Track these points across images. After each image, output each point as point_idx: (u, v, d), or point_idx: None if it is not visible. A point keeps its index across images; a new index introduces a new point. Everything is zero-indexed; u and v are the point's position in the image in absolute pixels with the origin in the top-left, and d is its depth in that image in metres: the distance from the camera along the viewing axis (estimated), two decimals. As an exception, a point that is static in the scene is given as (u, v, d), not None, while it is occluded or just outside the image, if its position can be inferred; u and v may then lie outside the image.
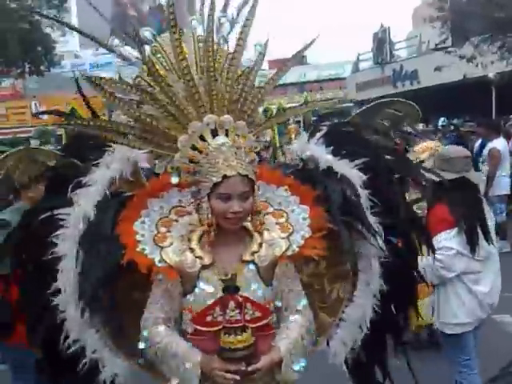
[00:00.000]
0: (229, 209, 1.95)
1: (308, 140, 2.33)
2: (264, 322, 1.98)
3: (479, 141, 10.05)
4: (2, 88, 28.57)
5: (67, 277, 2.10)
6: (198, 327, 1.97)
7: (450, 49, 19.77)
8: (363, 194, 2.24)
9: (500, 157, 8.73)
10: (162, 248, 2.02)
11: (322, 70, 40.52)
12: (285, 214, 2.16)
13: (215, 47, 2.06)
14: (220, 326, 1.94)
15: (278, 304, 2.10)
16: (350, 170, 2.25)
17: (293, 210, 2.17)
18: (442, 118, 16.93)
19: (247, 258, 2.04)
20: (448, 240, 3.57)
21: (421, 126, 16.69)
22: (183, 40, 2.15)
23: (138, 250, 2.02)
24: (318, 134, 2.34)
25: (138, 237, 2.04)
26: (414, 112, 2.84)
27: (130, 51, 2.19)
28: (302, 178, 2.25)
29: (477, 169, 8.79)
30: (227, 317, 1.93)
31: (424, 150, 5.01)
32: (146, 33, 2.20)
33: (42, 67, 17.72)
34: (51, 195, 2.24)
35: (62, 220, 2.12)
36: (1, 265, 3.20)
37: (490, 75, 20.31)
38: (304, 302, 2.12)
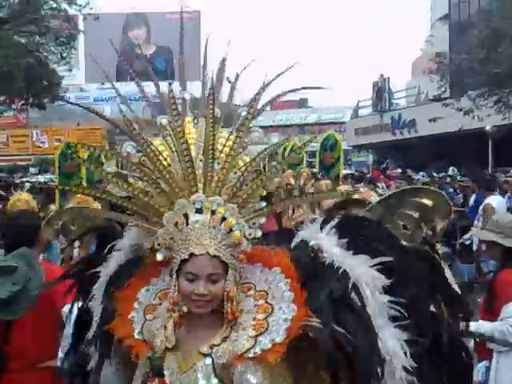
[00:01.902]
0: (194, 290, 1.85)
1: (321, 228, 2.05)
2: None
3: (473, 196, 10.07)
4: (5, 116, 28.84)
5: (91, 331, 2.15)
6: None
7: (447, 101, 20.14)
8: (381, 299, 1.89)
9: (494, 213, 8.74)
10: (145, 320, 1.97)
11: (322, 114, 41.18)
12: (269, 310, 1.90)
13: (221, 130, 2.10)
14: None
15: None
16: (366, 269, 1.91)
17: (280, 308, 1.90)
18: (451, 168, 17.02)
19: (204, 350, 1.86)
20: None
21: (420, 175, 16.80)
22: (195, 123, 2.21)
23: (128, 317, 1.98)
24: (332, 223, 2.05)
25: (135, 304, 2.01)
26: (443, 202, 2.29)
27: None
28: (302, 268, 1.96)
29: (472, 225, 8.83)
30: None
31: (369, 197, 4.86)
32: (163, 120, 2.19)
33: (44, 101, 17.90)
34: (97, 253, 2.34)
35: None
36: (13, 309, 3.26)
37: (487, 128, 20.64)
38: None
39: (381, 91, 29.60)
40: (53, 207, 8.81)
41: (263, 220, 1.97)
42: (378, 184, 13.11)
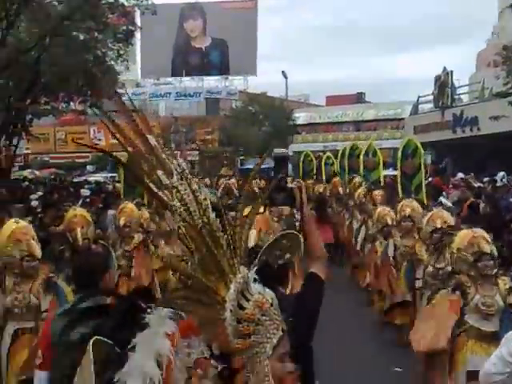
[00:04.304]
0: (285, 369, 1.81)
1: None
2: None
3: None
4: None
5: None
6: None
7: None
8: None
9: None
10: None
11: (380, 110, 40.14)
12: None
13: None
14: None
15: None
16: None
17: None
18: (502, 173, 16.09)
19: None
20: None
21: (481, 184, 15.82)
22: None
23: None
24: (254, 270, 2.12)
25: None
26: (298, 244, 3.56)
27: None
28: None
29: None
30: None
31: (438, 218, 5.80)
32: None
33: (102, 101, 18.16)
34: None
35: None
36: None
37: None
38: None
39: (443, 86, 28.56)
40: (110, 212, 8.78)
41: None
42: (442, 194, 12.54)
